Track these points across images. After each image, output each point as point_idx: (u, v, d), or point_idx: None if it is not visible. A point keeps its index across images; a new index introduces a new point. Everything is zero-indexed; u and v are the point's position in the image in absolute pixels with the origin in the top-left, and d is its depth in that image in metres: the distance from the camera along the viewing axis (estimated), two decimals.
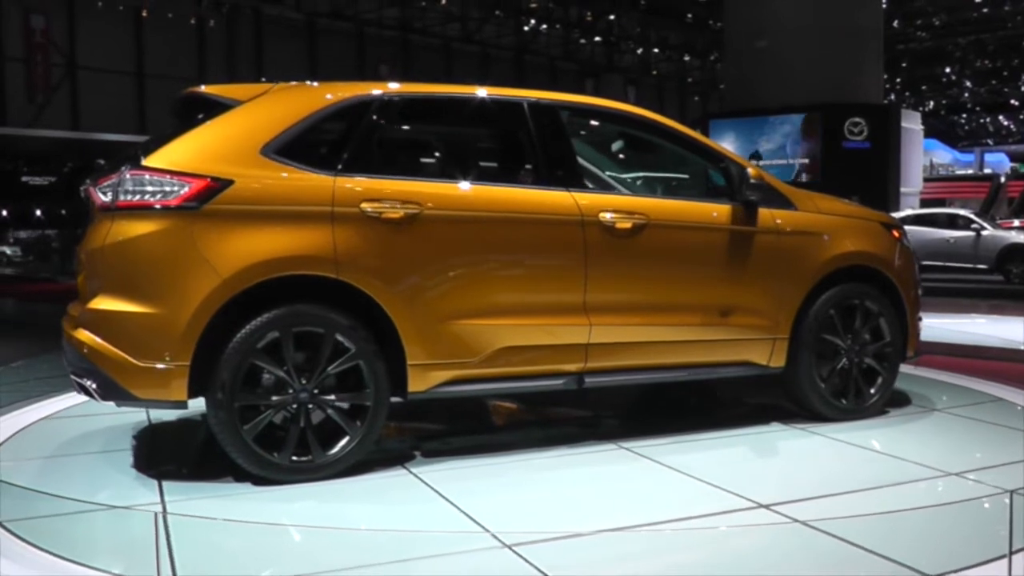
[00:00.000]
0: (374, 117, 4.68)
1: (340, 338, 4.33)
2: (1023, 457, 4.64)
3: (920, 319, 5.83)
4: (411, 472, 4.51)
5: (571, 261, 4.78)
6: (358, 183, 4.44)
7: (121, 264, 4.22)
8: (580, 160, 5.90)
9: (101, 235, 4.26)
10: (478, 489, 4.25)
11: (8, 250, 26.58)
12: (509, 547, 3.44)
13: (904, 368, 6.40)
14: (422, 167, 5.09)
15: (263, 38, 33.70)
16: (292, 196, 4.31)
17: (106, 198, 4.25)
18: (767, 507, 3.89)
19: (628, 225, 4.89)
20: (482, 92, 5.13)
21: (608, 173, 6.00)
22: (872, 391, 5.56)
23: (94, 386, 4.25)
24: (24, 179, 28.85)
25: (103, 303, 4.23)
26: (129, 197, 4.19)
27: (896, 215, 16.94)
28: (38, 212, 28.58)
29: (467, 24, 38.60)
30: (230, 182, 4.22)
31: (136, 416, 5.59)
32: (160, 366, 4.12)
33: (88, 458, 4.92)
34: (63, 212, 27.07)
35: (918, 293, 5.82)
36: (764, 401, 6.01)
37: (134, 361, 4.13)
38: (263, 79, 31.62)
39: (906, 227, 6.01)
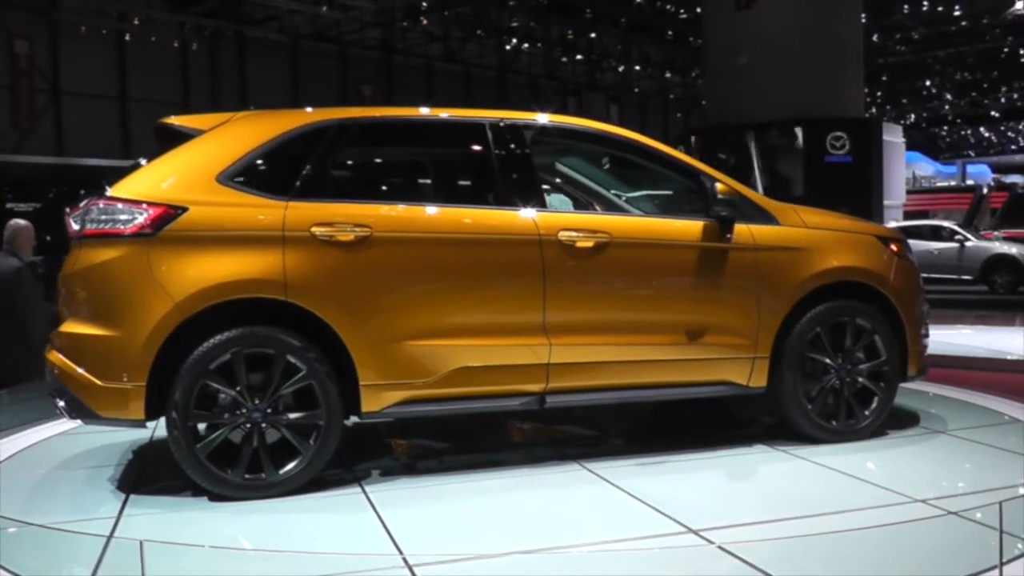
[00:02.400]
0: (329, 143, 4.79)
1: (291, 359, 4.46)
2: (1012, 484, 4.49)
3: (926, 336, 5.62)
4: (364, 491, 4.61)
5: (528, 281, 4.78)
6: (309, 207, 4.55)
7: (86, 289, 4.47)
8: (581, 179, 5.97)
9: (71, 262, 4.52)
10: (420, 510, 4.34)
11: None
12: (410, 567, 3.51)
13: (917, 385, 6.35)
14: (378, 190, 5.21)
15: (246, 60, 33.65)
16: (243, 221, 4.48)
17: (76, 226, 4.49)
18: (696, 532, 3.88)
19: (589, 244, 4.87)
20: (438, 113, 5.25)
21: (611, 191, 6.00)
22: (867, 412, 5.37)
23: (63, 405, 4.51)
24: (8, 205, 28.73)
25: (71, 326, 4.49)
26: (93, 225, 4.44)
27: None
28: None
29: (449, 44, 38.65)
30: (184, 209, 4.41)
31: (139, 434, 5.66)
32: (119, 386, 4.31)
33: (73, 477, 5.11)
34: (48, 238, 26.97)
35: (921, 310, 5.61)
36: (769, 420, 5.88)
37: (97, 381, 4.35)
38: (247, 101, 31.67)
39: None
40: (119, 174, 4.69)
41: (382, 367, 4.59)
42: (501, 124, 5.08)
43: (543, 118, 5.35)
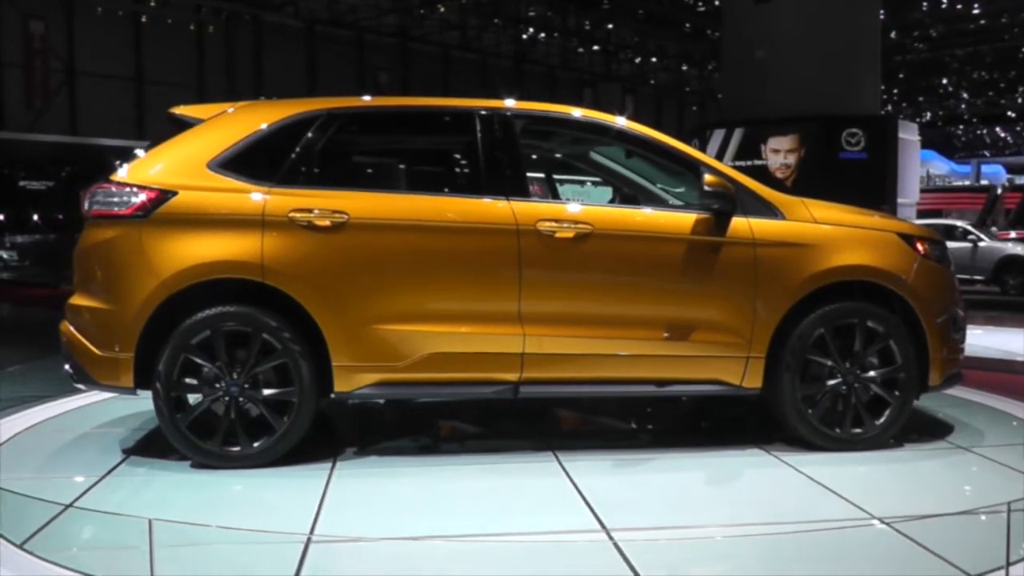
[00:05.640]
0: (317, 132, 4.96)
1: (267, 337, 4.68)
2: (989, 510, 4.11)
3: (960, 343, 5.31)
4: (335, 467, 4.80)
5: (503, 270, 4.81)
6: (289, 193, 4.77)
7: (89, 265, 4.85)
8: (610, 164, 5.91)
9: (81, 239, 4.88)
10: (365, 488, 4.51)
11: (5, 255, 26.52)
12: (307, 544, 3.66)
13: (962, 393, 6.11)
14: (362, 178, 5.32)
15: (262, 45, 33.69)
16: (227, 206, 4.73)
17: (85, 207, 4.82)
18: (608, 530, 3.83)
19: (569, 235, 4.85)
20: (423, 103, 5.39)
21: (657, 185, 5.81)
22: (877, 421, 5.08)
23: (71, 370, 4.86)
24: (22, 184, 28.81)
25: (78, 299, 4.86)
26: (97, 207, 4.79)
27: None
28: (35, 217, 28.54)
29: (466, 32, 38.63)
30: (174, 193, 4.71)
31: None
32: (112, 356, 4.67)
33: (88, 442, 5.40)
34: (60, 217, 27.04)
35: (951, 314, 5.24)
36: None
37: (95, 350, 4.72)
38: (263, 85, 31.68)
39: None
40: (135, 156, 4.99)
41: (355, 349, 4.74)
42: (485, 113, 5.10)
43: (529, 106, 5.33)
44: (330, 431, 5.74)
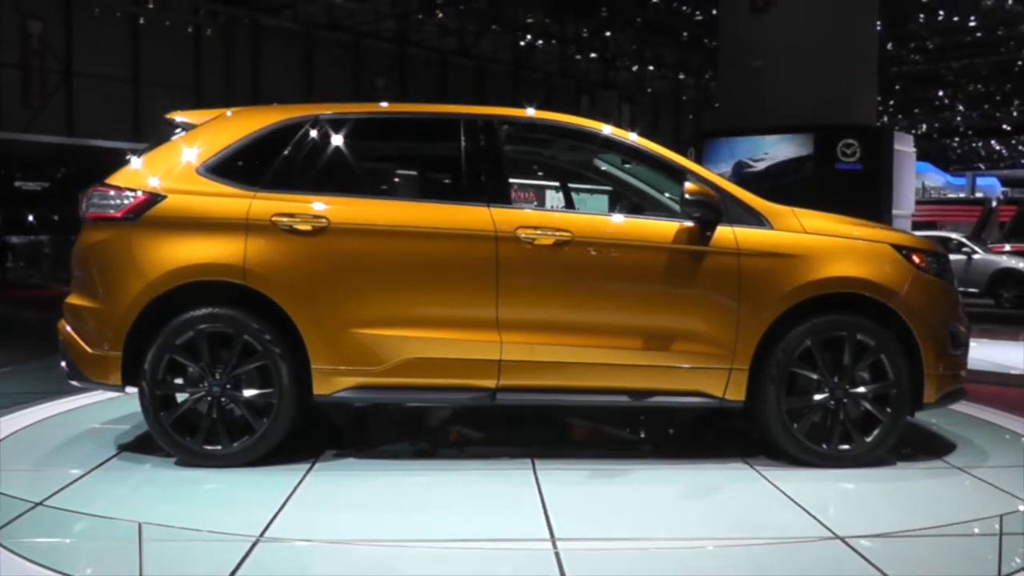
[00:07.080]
0: (302, 138, 5.06)
1: (249, 339, 4.77)
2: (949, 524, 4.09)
3: (961, 358, 5.18)
4: (311, 469, 4.88)
5: (481, 276, 4.83)
6: (273, 198, 4.86)
7: (84, 265, 4.98)
8: (604, 170, 5.92)
9: (78, 241, 5.00)
10: (330, 493, 4.53)
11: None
12: (254, 544, 3.73)
13: (959, 407, 5.96)
14: (345, 183, 5.33)
15: (260, 48, 33.64)
16: (212, 210, 4.84)
17: (83, 208, 4.95)
18: (555, 540, 3.84)
19: (549, 242, 4.85)
20: (408, 109, 5.52)
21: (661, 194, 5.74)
22: (867, 438, 4.96)
23: (65, 367, 5.01)
24: (17, 184, 28.73)
25: (73, 298, 5.01)
26: (93, 209, 4.94)
27: None
28: (31, 217, 28.45)
29: (464, 38, 38.62)
30: (163, 197, 4.83)
31: None
32: (102, 354, 4.82)
33: (84, 439, 5.52)
34: (56, 218, 26.97)
35: (950, 329, 5.09)
36: None
37: (87, 348, 4.87)
38: (260, 88, 31.64)
39: None
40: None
41: (334, 353, 4.81)
42: (469, 119, 5.15)
43: (513, 113, 5.37)
44: (322, 431, 5.77)
